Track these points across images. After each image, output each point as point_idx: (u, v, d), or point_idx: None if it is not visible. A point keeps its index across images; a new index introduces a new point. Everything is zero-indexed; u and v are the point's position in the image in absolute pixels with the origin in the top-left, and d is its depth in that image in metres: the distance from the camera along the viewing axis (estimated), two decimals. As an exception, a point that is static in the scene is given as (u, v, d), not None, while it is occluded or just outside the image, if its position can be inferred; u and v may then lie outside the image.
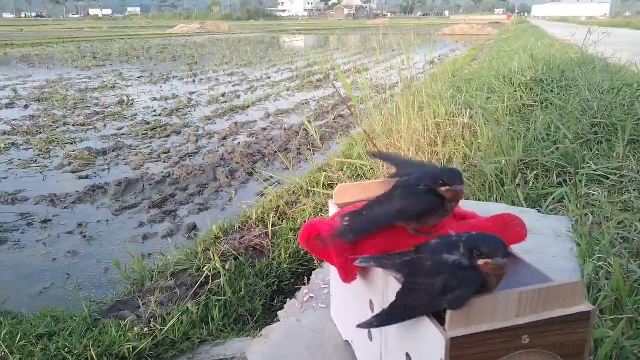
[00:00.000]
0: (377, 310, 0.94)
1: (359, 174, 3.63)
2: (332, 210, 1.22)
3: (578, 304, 0.82)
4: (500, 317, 0.78)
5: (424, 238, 0.94)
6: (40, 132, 6.53)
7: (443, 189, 0.92)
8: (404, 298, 0.83)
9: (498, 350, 0.78)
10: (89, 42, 25.64)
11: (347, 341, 1.22)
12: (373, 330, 1.01)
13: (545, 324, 0.80)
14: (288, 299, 1.49)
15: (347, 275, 1.05)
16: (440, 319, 0.78)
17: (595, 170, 2.60)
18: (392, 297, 0.86)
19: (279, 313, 1.40)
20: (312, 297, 1.47)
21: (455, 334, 0.75)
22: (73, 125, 6.97)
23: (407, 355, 0.87)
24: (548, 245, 1.61)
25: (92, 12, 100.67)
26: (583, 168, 2.63)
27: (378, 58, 11.24)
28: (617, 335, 1.23)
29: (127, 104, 8.44)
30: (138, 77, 12.09)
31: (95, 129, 6.81)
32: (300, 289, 1.58)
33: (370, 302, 0.99)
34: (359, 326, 0.87)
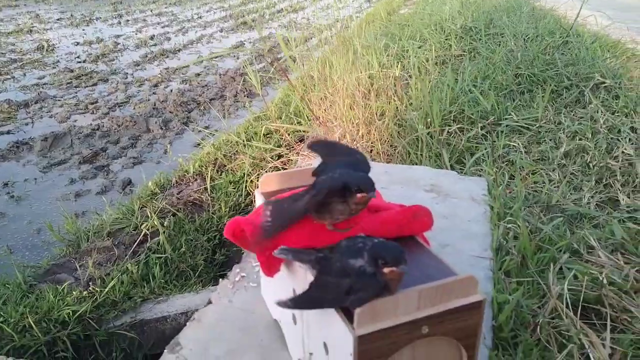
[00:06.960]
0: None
1: (298, 122, 3.61)
2: (258, 199, 1.25)
3: (471, 295, 0.93)
4: (402, 312, 0.89)
5: (341, 234, 1.00)
6: (-49, 84, 6.03)
7: (359, 195, 0.97)
8: (316, 289, 0.92)
9: (401, 340, 0.89)
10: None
11: (275, 320, 1.30)
12: (296, 314, 1.10)
13: (442, 314, 0.91)
14: (220, 279, 1.52)
15: (270, 270, 1.12)
16: (349, 316, 0.87)
17: (516, 121, 2.76)
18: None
19: (211, 295, 1.42)
20: (244, 276, 1.50)
21: (362, 331, 0.85)
22: (-12, 75, 6.46)
23: (324, 344, 0.98)
24: (464, 209, 1.74)
25: None
26: (506, 119, 2.78)
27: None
28: (517, 299, 1.36)
29: (47, 50, 7.86)
30: (57, 19, 11.19)
31: (14, 79, 6.34)
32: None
33: (294, 290, 1.09)
34: (277, 304, 0.95)
